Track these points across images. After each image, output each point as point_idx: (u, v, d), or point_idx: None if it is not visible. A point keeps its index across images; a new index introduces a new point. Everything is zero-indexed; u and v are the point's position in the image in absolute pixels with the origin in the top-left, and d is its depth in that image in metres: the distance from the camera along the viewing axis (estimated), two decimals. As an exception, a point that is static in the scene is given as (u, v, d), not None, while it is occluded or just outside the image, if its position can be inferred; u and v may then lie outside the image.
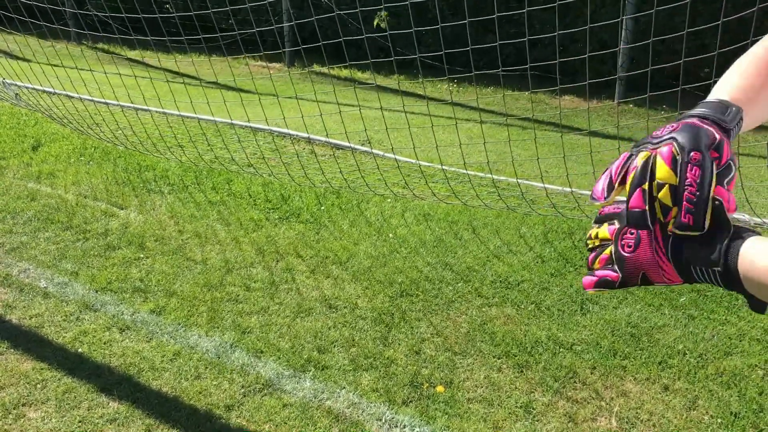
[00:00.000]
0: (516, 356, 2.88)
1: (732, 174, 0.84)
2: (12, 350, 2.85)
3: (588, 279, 0.91)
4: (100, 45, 9.92)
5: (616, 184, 0.88)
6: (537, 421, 2.53)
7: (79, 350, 2.87)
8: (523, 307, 3.24)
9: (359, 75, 8.70)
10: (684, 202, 0.82)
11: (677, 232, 0.84)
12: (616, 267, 0.87)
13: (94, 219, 4.10)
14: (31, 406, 2.53)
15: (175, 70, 7.50)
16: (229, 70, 6.67)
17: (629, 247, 0.86)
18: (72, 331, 3.00)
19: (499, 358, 2.87)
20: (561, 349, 2.93)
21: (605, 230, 0.90)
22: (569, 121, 6.56)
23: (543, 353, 2.91)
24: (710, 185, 0.81)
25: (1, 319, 3.08)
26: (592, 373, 2.79)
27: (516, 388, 2.70)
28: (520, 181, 4.57)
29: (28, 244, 3.78)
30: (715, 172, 0.82)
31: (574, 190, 4.40)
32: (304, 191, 4.55)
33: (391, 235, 3.96)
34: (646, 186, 0.85)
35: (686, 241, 0.81)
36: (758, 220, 3.93)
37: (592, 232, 0.93)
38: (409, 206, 4.35)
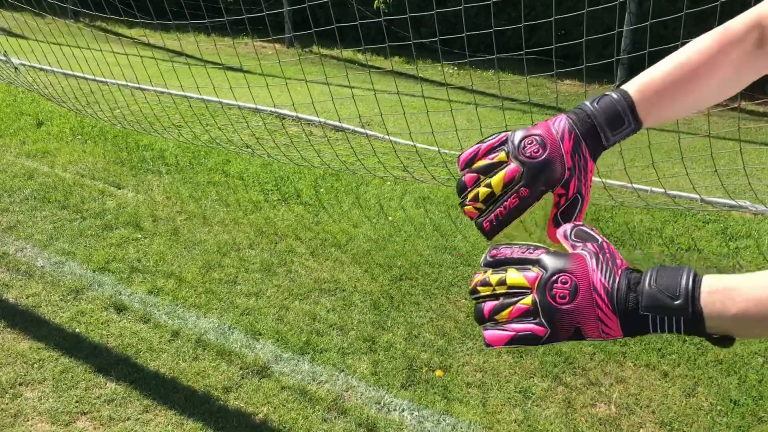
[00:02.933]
0: (515, 341, 2.87)
1: (578, 207, 0.89)
2: (9, 329, 2.83)
3: (494, 334, 0.78)
4: (99, 23, 9.83)
5: None
6: (535, 406, 2.53)
7: (77, 330, 2.85)
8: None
9: (360, 57, 8.63)
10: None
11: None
12: (543, 320, 0.76)
13: (91, 198, 4.07)
14: (28, 386, 2.52)
15: (173, 49, 7.43)
16: (226, 50, 6.61)
17: (563, 298, 0.75)
18: (69, 310, 2.98)
19: (498, 343, 2.86)
20: (560, 335, 2.92)
21: (519, 276, 0.79)
22: (570, 105, 6.52)
23: (542, 338, 2.89)
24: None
25: (-2, 298, 3.06)
26: (591, 360, 2.78)
27: (515, 373, 2.70)
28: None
29: (25, 222, 3.75)
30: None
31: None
32: (303, 173, 4.52)
33: (390, 218, 3.94)
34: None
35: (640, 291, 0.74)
36: (761, 207, 3.91)
37: (485, 278, 0.81)
38: (408, 189, 4.32)
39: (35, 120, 5.45)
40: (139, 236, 3.65)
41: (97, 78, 5.99)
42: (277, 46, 9.16)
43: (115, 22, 9.44)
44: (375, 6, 7.92)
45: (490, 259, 0.83)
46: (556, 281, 0.76)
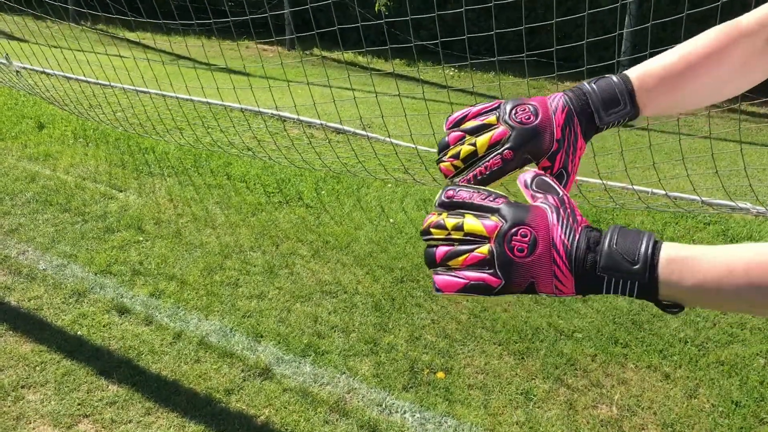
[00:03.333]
0: (516, 343, 2.87)
1: (563, 183, 0.88)
2: (11, 332, 2.83)
3: (446, 280, 0.76)
4: (100, 26, 9.84)
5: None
6: (537, 408, 2.53)
7: (79, 333, 2.86)
8: (523, 294, 3.23)
9: (360, 59, 8.64)
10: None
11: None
12: (498, 272, 0.74)
13: (92, 201, 4.08)
14: (30, 389, 2.52)
15: (174, 52, 7.44)
16: (228, 53, 6.62)
17: (521, 251, 0.73)
18: (71, 313, 2.99)
19: (499, 345, 2.87)
20: (562, 337, 2.92)
21: (477, 224, 0.76)
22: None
23: (543, 341, 2.90)
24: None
25: (0, 301, 3.06)
26: (592, 361, 2.78)
27: (516, 375, 2.70)
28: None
29: (27, 225, 3.76)
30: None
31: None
32: (305, 175, 4.53)
33: (391, 220, 3.94)
34: None
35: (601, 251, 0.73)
36: (761, 208, 3.91)
37: (439, 220, 0.78)
38: (409, 191, 4.33)
39: (37, 123, 5.46)
40: (141, 239, 3.65)
41: (99, 81, 6.00)
42: (278, 48, 9.17)
43: (116, 25, 9.46)
44: (376, 9, 7.93)
45: (446, 200, 0.80)
46: (515, 233, 0.74)
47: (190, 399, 2.51)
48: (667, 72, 0.91)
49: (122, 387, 2.55)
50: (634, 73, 0.91)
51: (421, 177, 4.53)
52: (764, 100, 6.32)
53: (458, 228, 0.77)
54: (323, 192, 4.31)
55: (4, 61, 6.72)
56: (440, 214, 0.79)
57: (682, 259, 0.70)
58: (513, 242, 0.74)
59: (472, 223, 0.76)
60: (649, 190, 4.24)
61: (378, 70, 7.78)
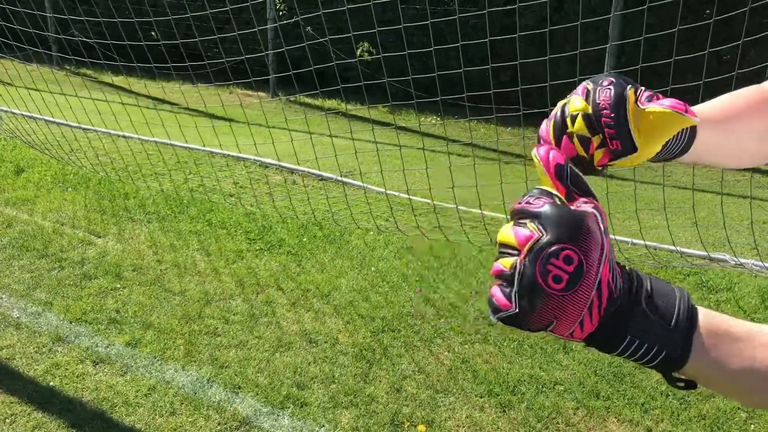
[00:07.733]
0: (498, 395, 2.84)
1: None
2: (-20, 383, 2.76)
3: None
4: (83, 70, 9.87)
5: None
6: (519, 463, 2.49)
7: (51, 384, 2.79)
8: (505, 344, 3.21)
9: (344, 106, 8.71)
10: (604, 128, 0.79)
11: (614, 164, 0.79)
12: (513, 296, 0.58)
13: (70, 247, 4.02)
14: (-2, 443, 2.44)
15: (157, 97, 7.47)
16: (211, 99, 6.66)
17: (557, 281, 0.56)
18: (44, 363, 2.92)
19: (481, 397, 2.83)
20: (544, 389, 2.90)
21: (508, 233, 0.61)
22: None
23: (525, 392, 2.87)
24: (624, 104, 0.78)
25: (-29, 350, 2.99)
26: (574, 414, 2.75)
27: (498, 428, 2.66)
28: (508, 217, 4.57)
29: (2, 272, 3.69)
30: (629, 90, 0.79)
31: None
32: (286, 222, 4.51)
33: (373, 268, 3.92)
34: (571, 128, 0.81)
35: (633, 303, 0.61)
36: (742, 260, 3.94)
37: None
38: (391, 239, 4.32)
39: (16, 167, 5.42)
40: (119, 286, 3.60)
41: (82, 125, 5.99)
42: (261, 94, 9.23)
43: (100, 69, 9.49)
44: (357, 55, 8.04)
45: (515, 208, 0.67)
46: (556, 254, 0.57)
47: (165, 454, 2.44)
48: (703, 113, 0.87)
49: (94, 441, 2.47)
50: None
51: (403, 225, 4.53)
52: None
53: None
54: (305, 239, 4.29)
55: None
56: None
57: (721, 334, 0.61)
58: (550, 265, 0.57)
59: (504, 232, 0.62)
60: (630, 240, 4.27)
61: (360, 117, 7.85)
